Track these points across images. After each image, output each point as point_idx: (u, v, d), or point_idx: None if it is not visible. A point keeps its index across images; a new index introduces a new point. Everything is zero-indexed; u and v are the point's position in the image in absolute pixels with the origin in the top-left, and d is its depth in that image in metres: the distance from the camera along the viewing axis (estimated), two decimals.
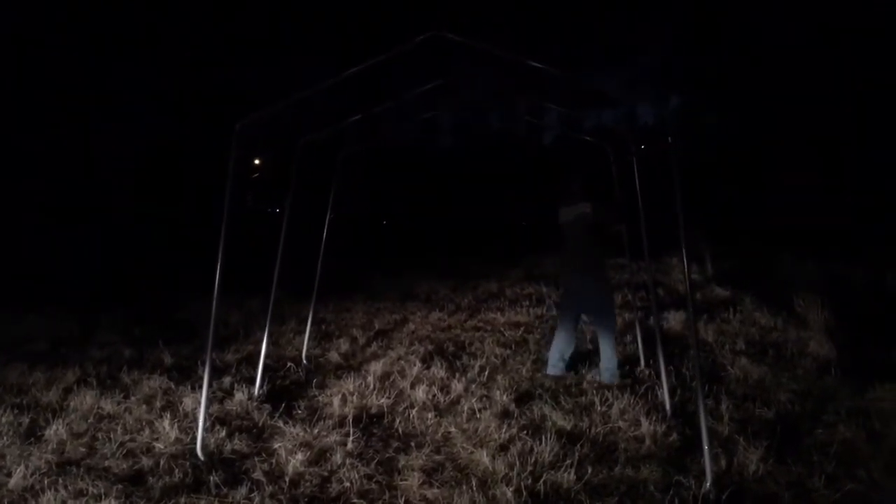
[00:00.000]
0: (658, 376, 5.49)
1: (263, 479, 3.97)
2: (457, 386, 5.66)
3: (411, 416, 5.00)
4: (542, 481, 3.86)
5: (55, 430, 4.66)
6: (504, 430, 4.64)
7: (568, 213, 5.95)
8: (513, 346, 7.20)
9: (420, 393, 5.46)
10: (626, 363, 6.34)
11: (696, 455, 4.14)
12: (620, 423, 4.76)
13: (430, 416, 5.01)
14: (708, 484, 3.74)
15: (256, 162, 28.20)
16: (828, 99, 16.49)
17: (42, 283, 12.12)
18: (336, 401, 5.31)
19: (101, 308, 9.32)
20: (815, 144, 17.33)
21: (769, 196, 18.37)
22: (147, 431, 4.70)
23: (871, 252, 12.11)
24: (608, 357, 5.85)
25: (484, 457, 4.19)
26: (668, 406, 5.03)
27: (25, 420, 4.91)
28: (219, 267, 4.36)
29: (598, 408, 5.07)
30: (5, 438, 4.59)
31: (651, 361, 6.12)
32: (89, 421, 4.92)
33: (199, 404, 4.42)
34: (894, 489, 3.79)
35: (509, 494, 3.71)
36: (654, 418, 4.75)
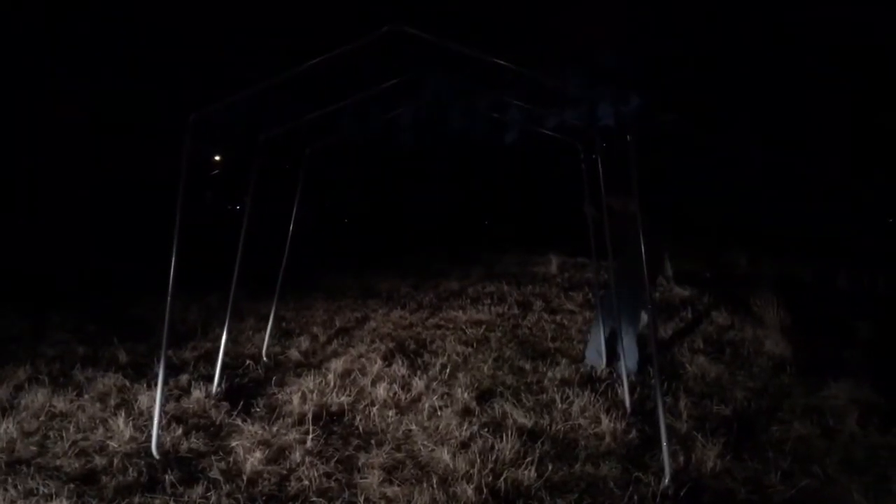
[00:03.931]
0: (618, 374, 5.54)
1: (220, 478, 3.90)
2: (418, 384, 5.63)
3: (372, 413, 4.97)
4: (502, 479, 3.87)
5: (5, 429, 4.52)
6: (465, 428, 4.63)
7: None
8: (474, 344, 7.20)
9: (381, 391, 5.42)
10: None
11: (656, 452, 4.19)
12: (581, 421, 4.79)
13: (390, 413, 4.98)
14: (667, 480, 3.80)
15: (217, 158, 27.80)
16: (787, 97, 16.75)
17: None
18: (296, 398, 5.24)
19: (54, 305, 9.08)
20: (772, 145, 17.64)
21: (728, 197, 18.67)
22: (101, 430, 4.58)
23: (825, 253, 12.40)
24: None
25: (445, 454, 4.18)
26: (627, 404, 5.09)
27: None
28: (173, 263, 4.28)
29: (559, 405, 5.10)
30: None
31: (611, 359, 6.17)
32: (41, 419, 4.78)
33: (155, 402, 4.33)
34: (848, 485, 3.88)
35: (470, 492, 3.70)
36: (613, 416, 4.79)
